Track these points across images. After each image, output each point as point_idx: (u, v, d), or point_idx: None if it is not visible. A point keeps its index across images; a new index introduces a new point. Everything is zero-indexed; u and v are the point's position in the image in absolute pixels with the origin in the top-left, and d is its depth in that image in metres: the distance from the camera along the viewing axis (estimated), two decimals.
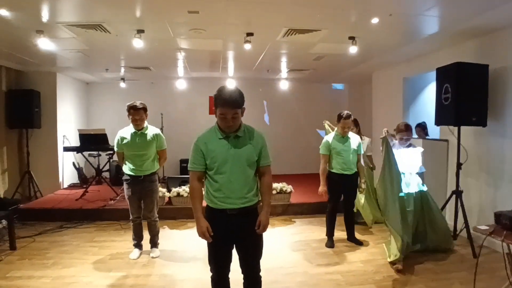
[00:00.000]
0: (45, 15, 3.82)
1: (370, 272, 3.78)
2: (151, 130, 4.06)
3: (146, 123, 4.04)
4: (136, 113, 3.89)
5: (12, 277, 3.61)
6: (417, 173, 4.36)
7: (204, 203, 2.44)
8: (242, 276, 2.53)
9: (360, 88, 9.14)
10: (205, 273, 2.56)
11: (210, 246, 2.44)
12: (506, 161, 4.25)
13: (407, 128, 4.31)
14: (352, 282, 3.55)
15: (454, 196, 4.51)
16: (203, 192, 2.48)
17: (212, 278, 2.51)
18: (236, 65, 6.96)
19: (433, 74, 4.70)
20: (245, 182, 2.36)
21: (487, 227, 2.70)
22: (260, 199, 2.47)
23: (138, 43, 4.40)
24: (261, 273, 2.56)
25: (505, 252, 2.59)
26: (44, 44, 4.51)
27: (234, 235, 2.38)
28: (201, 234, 2.34)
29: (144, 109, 3.96)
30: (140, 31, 4.30)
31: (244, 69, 7.27)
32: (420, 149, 4.41)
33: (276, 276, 3.69)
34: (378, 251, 4.38)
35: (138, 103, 3.91)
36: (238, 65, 6.94)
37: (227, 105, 2.24)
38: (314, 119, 8.29)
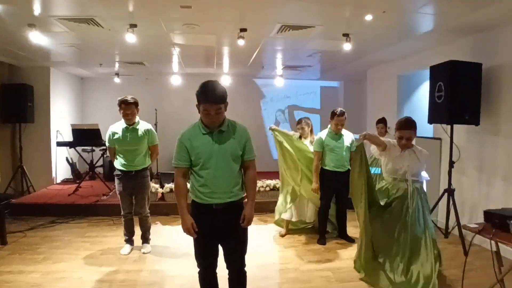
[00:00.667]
0: (37, 9, 3.78)
1: None
2: (143, 126, 4.05)
3: (137, 118, 4.03)
4: (128, 107, 3.88)
5: (2, 271, 3.60)
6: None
7: (190, 199, 2.44)
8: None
9: (355, 86, 9.14)
10: (197, 270, 2.56)
11: (196, 242, 2.44)
12: (498, 159, 4.27)
13: (408, 125, 3.46)
14: (343, 279, 3.56)
15: (446, 194, 4.53)
16: (188, 188, 2.48)
17: (199, 273, 2.52)
18: (230, 61, 6.93)
19: (427, 72, 4.70)
20: (231, 176, 2.36)
21: (476, 225, 2.72)
22: (245, 193, 2.48)
23: (131, 38, 4.37)
24: (252, 270, 2.56)
25: (493, 250, 2.60)
26: (37, 38, 4.46)
27: (220, 230, 2.38)
28: (186, 230, 2.36)
29: (136, 103, 3.94)
30: (133, 26, 4.27)
31: (239, 65, 7.24)
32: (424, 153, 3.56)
33: (268, 272, 3.70)
34: None
35: (129, 98, 3.90)
36: (233, 61, 6.92)
37: (210, 101, 2.24)
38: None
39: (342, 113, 4.41)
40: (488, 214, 2.69)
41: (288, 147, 4.69)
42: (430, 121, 4.66)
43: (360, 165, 3.52)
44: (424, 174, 3.39)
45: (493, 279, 2.72)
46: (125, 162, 3.99)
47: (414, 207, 3.32)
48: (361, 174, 3.51)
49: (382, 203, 3.53)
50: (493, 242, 2.56)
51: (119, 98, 3.92)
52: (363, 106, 8.35)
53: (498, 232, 2.51)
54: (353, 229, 5.04)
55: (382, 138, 3.75)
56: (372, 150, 3.74)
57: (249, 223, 2.42)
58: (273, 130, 4.82)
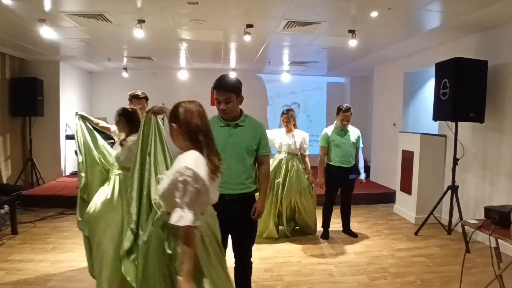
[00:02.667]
0: (47, 4, 3.86)
1: (363, 263, 3.84)
2: None
3: None
4: (138, 102, 3.95)
5: (13, 260, 3.72)
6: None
7: None
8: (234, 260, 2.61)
9: (363, 82, 9.13)
10: None
11: None
12: (502, 157, 4.28)
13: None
14: (344, 273, 3.61)
15: (450, 191, 4.55)
16: None
17: None
18: (237, 57, 6.97)
19: (433, 69, 4.70)
20: (244, 169, 2.46)
21: (476, 221, 2.75)
22: (258, 187, 2.55)
23: (139, 33, 4.43)
24: (255, 262, 2.64)
25: (492, 246, 2.63)
26: (47, 33, 4.54)
27: (231, 221, 2.44)
28: None
29: (146, 98, 4.03)
30: (141, 21, 4.33)
31: (246, 60, 7.28)
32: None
33: (270, 265, 3.77)
34: (372, 244, 4.44)
35: (139, 92, 3.97)
36: (239, 57, 6.96)
37: (218, 88, 2.37)
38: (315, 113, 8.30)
39: (348, 109, 4.44)
40: (488, 211, 2.71)
41: None
42: (435, 118, 4.67)
43: None
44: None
45: (493, 275, 2.75)
46: None
47: None
48: None
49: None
50: (493, 238, 2.59)
51: (130, 93, 4.00)
52: (369, 103, 8.35)
53: (497, 228, 2.54)
54: (356, 225, 5.09)
55: None
56: None
57: (260, 216, 2.51)
58: None
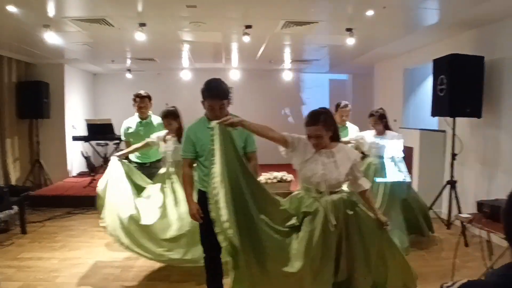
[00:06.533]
0: (51, 11, 3.98)
1: None
2: (155, 119, 4.28)
3: (150, 113, 4.25)
4: (142, 101, 4.17)
5: (23, 258, 3.86)
6: None
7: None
8: None
9: (364, 79, 9.16)
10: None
11: (202, 228, 2.62)
12: (500, 152, 4.32)
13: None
14: None
15: (448, 186, 4.61)
16: (195, 177, 2.68)
17: (205, 258, 2.70)
18: (238, 56, 7.06)
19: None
20: None
21: (469, 215, 2.82)
22: None
23: (140, 36, 4.53)
24: None
25: (484, 238, 2.71)
26: (51, 38, 4.67)
27: None
28: (192, 216, 2.57)
29: (149, 97, 4.25)
30: (142, 25, 4.42)
31: (247, 60, 7.37)
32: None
33: None
34: None
35: (142, 92, 4.22)
36: (241, 56, 7.05)
37: (214, 97, 2.43)
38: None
39: (346, 105, 4.55)
40: (480, 205, 2.79)
41: None
42: (433, 114, 4.73)
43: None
44: (363, 181, 2.47)
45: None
46: (139, 155, 4.21)
47: (342, 229, 2.32)
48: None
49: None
50: (484, 231, 2.67)
51: (134, 93, 4.23)
52: (371, 99, 8.39)
53: (489, 221, 2.61)
54: None
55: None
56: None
57: None
58: None
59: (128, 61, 7.40)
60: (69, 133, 7.46)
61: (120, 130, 4.37)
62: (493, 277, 0.96)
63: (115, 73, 8.75)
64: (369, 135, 4.21)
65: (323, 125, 2.32)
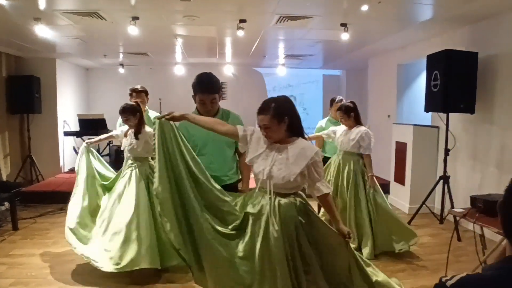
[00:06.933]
0: (41, 3, 3.90)
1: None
2: (152, 114, 4.25)
3: (147, 107, 4.22)
4: (138, 95, 4.13)
5: (15, 254, 3.82)
6: None
7: None
8: None
9: (358, 74, 9.18)
10: None
11: None
12: (492, 147, 4.36)
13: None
14: None
15: (442, 181, 4.64)
16: None
17: None
18: (232, 51, 7.02)
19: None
20: (225, 161, 2.56)
21: (462, 210, 2.84)
22: (240, 177, 2.65)
23: (133, 30, 4.48)
24: None
25: (477, 233, 2.73)
26: (42, 31, 4.59)
27: None
28: None
29: (145, 92, 4.22)
30: (135, 18, 4.37)
31: (241, 55, 7.33)
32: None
33: None
34: None
35: (139, 86, 4.18)
36: (235, 51, 7.01)
37: (205, 91, 2.42)
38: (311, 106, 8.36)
39: (340, 100, 4.56)
40: (473, 199, 2.80)
41: None
42: (427, 109, 4.75)
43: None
44: (322, 185, 2.12)
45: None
46: None
47: (293, 239, 2.04)
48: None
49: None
50: (478, 226, 2.68)
51: (130, 88, 4.18)
52: (365, 95, 8.40)
53: (482, 216, 2.63)
54: None
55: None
56: None
57: None
58: None
59: (121, 56, 7.32)
60: (61, 128, 7.38)
61: (116, 124, 4.31)
62: (491, 270, 0.96)
63: (108, 68, 8.67)
64: (341, 130, 4.09)
65: (273, 115, 2.04)
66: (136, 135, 3.42)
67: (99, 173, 3.77)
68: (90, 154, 3.75)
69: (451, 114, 4.53)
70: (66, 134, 7.02)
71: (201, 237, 2.10)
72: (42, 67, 7.00)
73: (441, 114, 4.61)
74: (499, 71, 4.25)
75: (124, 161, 3.64)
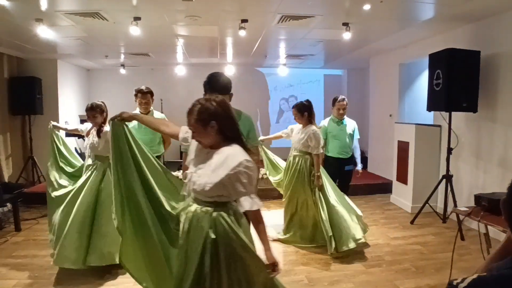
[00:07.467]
0: (43, 4, 3.90)
1: (359, 252, 3.93)
2: (157, 115, 4.26)
3: (151, 108, 4.22)
4: (144, 96, 4.11)
5: (18, 255, 3.82)
6: None
7: None
8: None
9: (359, 74, 9.17)
10: None
11: None
12: (495, 146, 4.35)
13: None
14: (340, 261, 3.71)
15: (444, 180, 4.63)
16: None
17: None
18: (234, 51, 7.02)
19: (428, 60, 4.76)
20: None
21: (467, 209, 2.82)
22: None
23: (135, 30, 4.48)
24: None
25: (482, 232, 2.72)
26: (44, 32, 4.59)
27: None
28: None
29: (151, 93, 4.20)
30: (137, 19, 4.37)
31: (242, 55, 7.32)
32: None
33: None
34: (368, 233, 4.45)
35: (144, 88, 4.15)
36: (236, 51, 7.00)
37: (215, 90, 2.41)
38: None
39: (343, 99, 4.55)
40: (478, 198, 2.79)
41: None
42: (429, 108, 4.73)
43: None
44: (245, 200, 1.84)
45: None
46: None
47: (198, 254, 1.85)
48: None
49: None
50: (482, 225, 2.67)
51: (135, 88, 4.17)
52: (366, 94, 8.41)
53: (486, 214, 2.61)
54: None
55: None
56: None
57: None
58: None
59: (122, 56, 7.32)
60: None
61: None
62: (501, 270, 0.96)
63: (109, 69, 8.67)
64: (296, 129, 4.16)
65: (196, 119, 1.86)
66: (99, 133, 3.51)
67: (65, 159, 3.87)
68: (55, 137, 3.86)
69: (453, 113, 4.52)
70: (68, 135, 7.00)
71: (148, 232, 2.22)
72: (43, 68, 7.00)
73: (443, 113, 4.60)
74: (501, 69, 4.24)
75: (85, 159, 3.72)
